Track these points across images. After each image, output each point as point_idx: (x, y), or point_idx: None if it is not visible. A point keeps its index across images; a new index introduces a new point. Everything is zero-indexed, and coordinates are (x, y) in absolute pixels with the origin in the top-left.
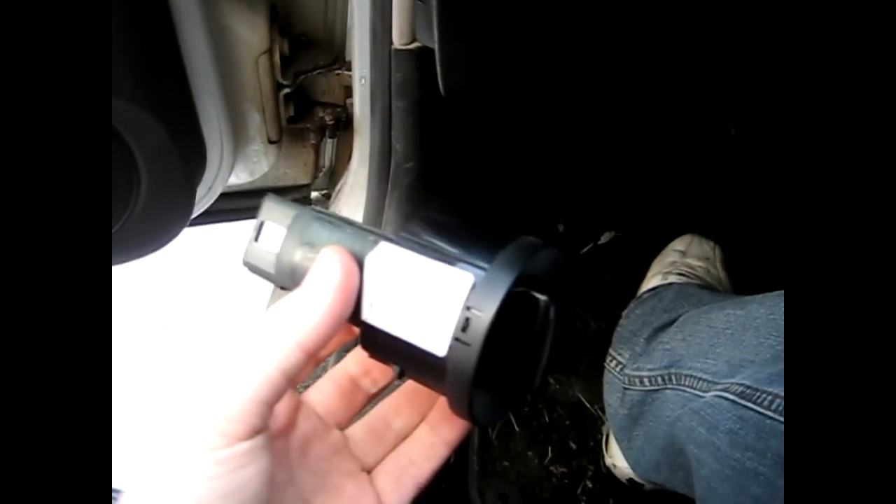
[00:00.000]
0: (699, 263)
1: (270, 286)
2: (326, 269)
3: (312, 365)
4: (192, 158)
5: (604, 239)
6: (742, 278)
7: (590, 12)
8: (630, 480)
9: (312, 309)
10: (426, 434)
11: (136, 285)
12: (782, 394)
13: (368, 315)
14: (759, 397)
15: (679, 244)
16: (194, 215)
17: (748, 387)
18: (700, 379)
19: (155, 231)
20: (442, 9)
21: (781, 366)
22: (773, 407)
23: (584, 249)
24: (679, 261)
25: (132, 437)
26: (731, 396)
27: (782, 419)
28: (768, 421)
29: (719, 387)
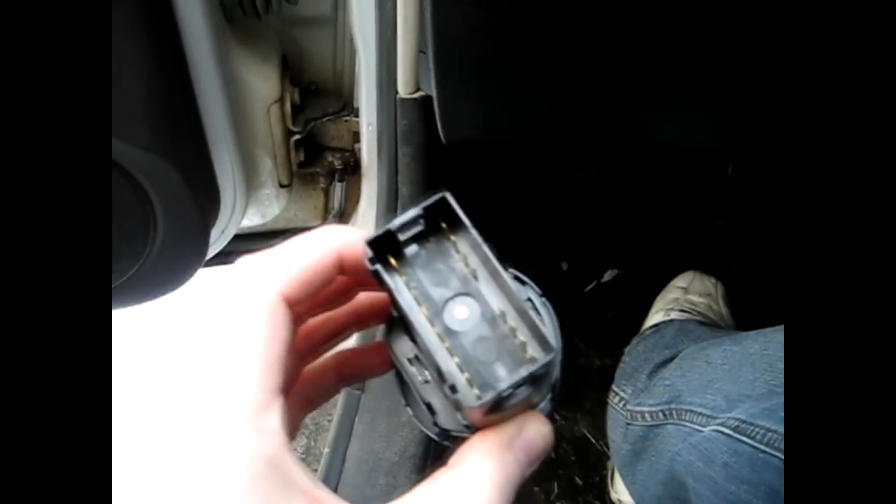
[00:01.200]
0: (701, 300)
1: None
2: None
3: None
4: (207, 203)
5: (607, 277)
6: (744, 314)
7: (587, 64)
8: None
9: None
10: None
11: (150, 325)
12: (774, 427)
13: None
14: (752, 431)
15: (681, 281)
16: (208, 257)
17: (743, 421)
18: (699, 414)
19: (170, 272)
20: (439, 63)
21: (776, 400)
22: (766, 440)
23: (588, 287)
24: (681, 297)
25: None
26: (727, 431)
27: (775, 452)
28: (761, 455)
29: (717, 421)
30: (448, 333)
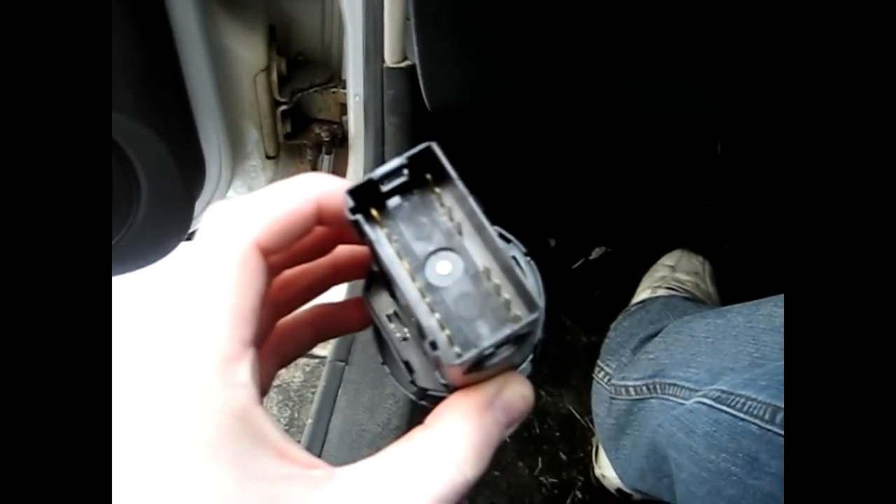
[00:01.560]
0: (688, 278)
1: None
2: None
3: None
4: (192, 172)
5: (595, 254)
6: (731, 293)
7: (568, 28)
8: (619, 491)
9: None
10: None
11: (133, 296)
12: (755, 396)
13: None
14: (733, 401)
15: (669, 259)
16: (193, 229)
17: (723, 391)
18: (683, 388)
19: (154, 243)
20: (420, 27)
21: (757, 370)
22: (746, 409)
23: (576, 264)
24: (669, 275)
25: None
26: (708, 401)
27: (754, 420)
28: (741, 423)
29: (700, 393)
30: (429, 289)
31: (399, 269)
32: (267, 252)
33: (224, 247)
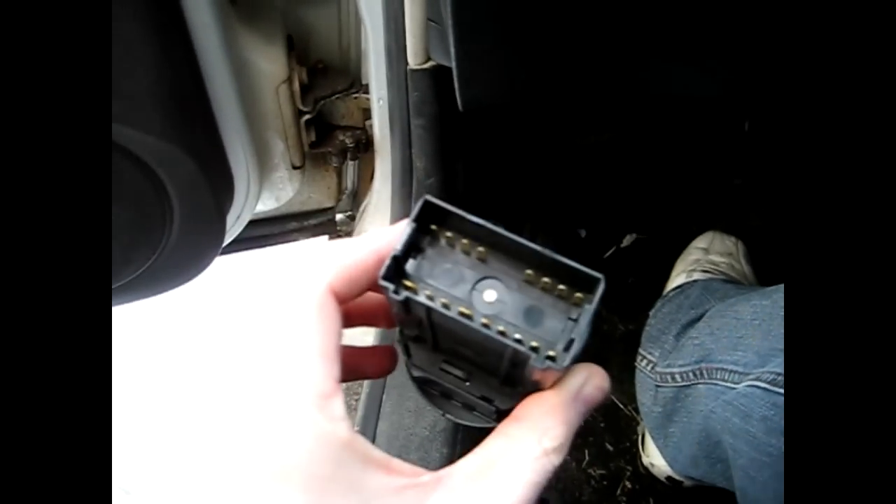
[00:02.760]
0: (722, 259)
1: None
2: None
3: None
4: (221, 189)
5: (626, 242)
6: (767, 271)
7: (605, 22)
8: (669, 478)
9: None
10: None
11: (170, 315)
12: None
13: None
14: None
15: (701, 242)
16: (224, 244)
17: (778, 374)
18: (731, 371)
19: (188, 262)
20: (458, 29)
21: None
22: None
23: (608, 253)
24: (702, 258)
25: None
26: (764, 385)
27: None
28: None
29: (751, 377)
30: (494, 319)
31: (462, 320)
32: (339, 297)
33: (304, 290)
